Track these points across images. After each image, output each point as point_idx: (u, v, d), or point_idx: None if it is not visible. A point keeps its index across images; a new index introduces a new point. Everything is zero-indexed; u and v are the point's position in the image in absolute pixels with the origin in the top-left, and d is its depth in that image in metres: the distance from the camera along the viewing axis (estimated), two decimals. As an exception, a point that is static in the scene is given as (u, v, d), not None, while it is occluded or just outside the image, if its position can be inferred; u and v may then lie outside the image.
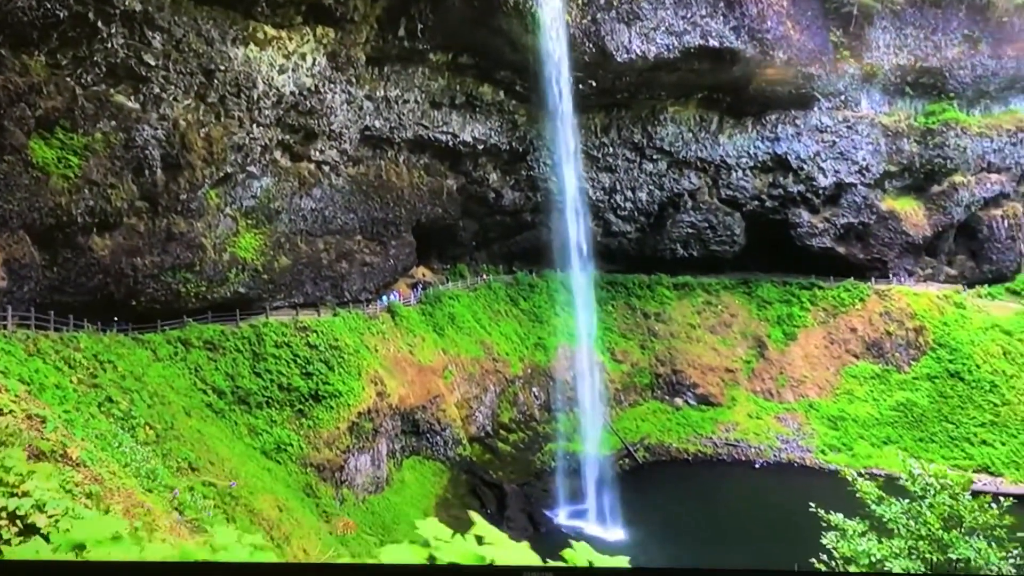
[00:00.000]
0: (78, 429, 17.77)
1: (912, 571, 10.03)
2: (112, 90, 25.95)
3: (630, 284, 62.77)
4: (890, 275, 60.90)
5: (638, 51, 44.29)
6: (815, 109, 56.82)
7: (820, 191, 59.82)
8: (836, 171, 59.03)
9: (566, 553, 3.25)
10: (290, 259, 38.58)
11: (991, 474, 44.91)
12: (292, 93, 33.07)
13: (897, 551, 10.66)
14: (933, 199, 61.23)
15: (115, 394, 25.66)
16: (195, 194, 30.59)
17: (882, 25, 56.63)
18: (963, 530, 10.58)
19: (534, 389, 52.46)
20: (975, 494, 11.20)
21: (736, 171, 59.14)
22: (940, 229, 61.60)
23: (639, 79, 47.81)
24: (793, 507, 40.84)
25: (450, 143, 45.80)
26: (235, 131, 31.05)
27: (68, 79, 24.59)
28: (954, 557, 10.04)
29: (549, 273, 58.19)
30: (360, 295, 44.14)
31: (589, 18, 42.62)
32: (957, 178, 60.60)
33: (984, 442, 47.43)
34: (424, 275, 52.90)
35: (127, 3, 24.49)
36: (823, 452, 50.94)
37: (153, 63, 26.43)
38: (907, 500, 11.76)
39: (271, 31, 30.34)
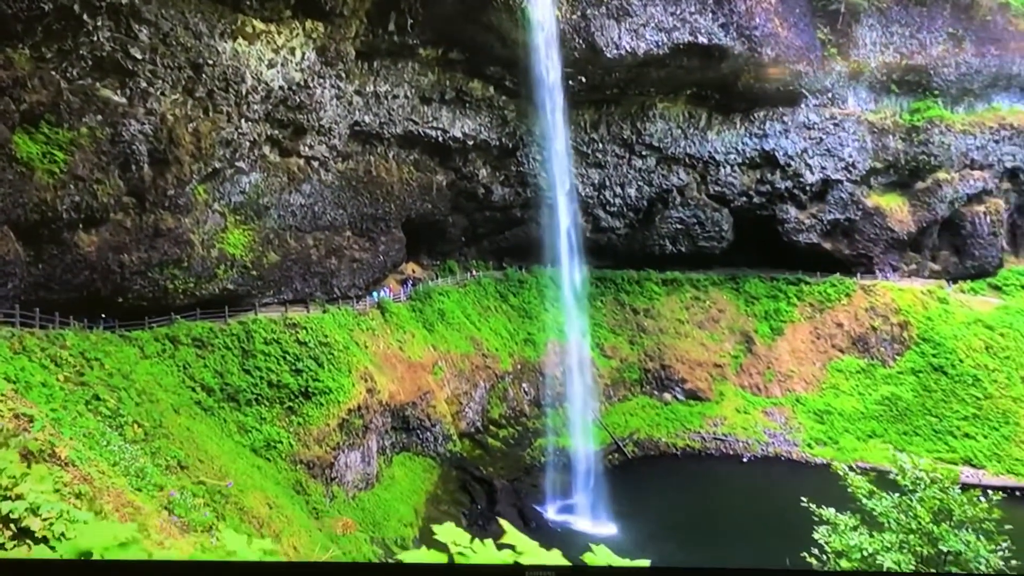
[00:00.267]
0: (66, 428, 17.59)
1: (903, 564, 10.20)
2: (98, 84, 25.57)
3: (619, 280, 63.04)
4: (875, 270, 61.69)
5: (628, 47, 44.36)
6: (803, 106, 57.27)
7: (807, 187, 60.37)
8: (823, 168, 59.60)
9: (586, 556, 3.28)
10: (279, 255, 38.32)
11: (973, 466, 45.71)
12: (281, 88, 32.79)
13: (888, 545, 10.84)
14: (918, 195, 62.01)
15: (102, 392, 25.42)
16: (183, 190, 30.27)
17: (869, 23, 57.17)
18: (953, 523, 10.79)
19: (524, 385, 52.58)
20: (963, 487, 11.42)
21: (724, 167, 59.50)
22: (924, 225, 62.41)
23: (628, 75, 47.91)
24: (781, 500, 41.38)
25: (440, 139, 45.66)
26: (223, 126, 30.73)
27: (53, 72, 24.20)
28: (944, 550, 10.24)
29: (538, 269, 58.28)
30: (349, 291, 43.96)
31: (579, 14, 42.61)
32: (941, 175, 61.40)
33: (967, 435, 48.26)
34: (414, 271, 52.78)
35: (113, -4, 24.16)
36: (809, 446, 51.57)
37: (140, 57, 26.07)
38: (897, 494, 11.95)
39: (260, 25, 30.03)
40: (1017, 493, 42.55)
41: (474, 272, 57.32)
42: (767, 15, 49.54)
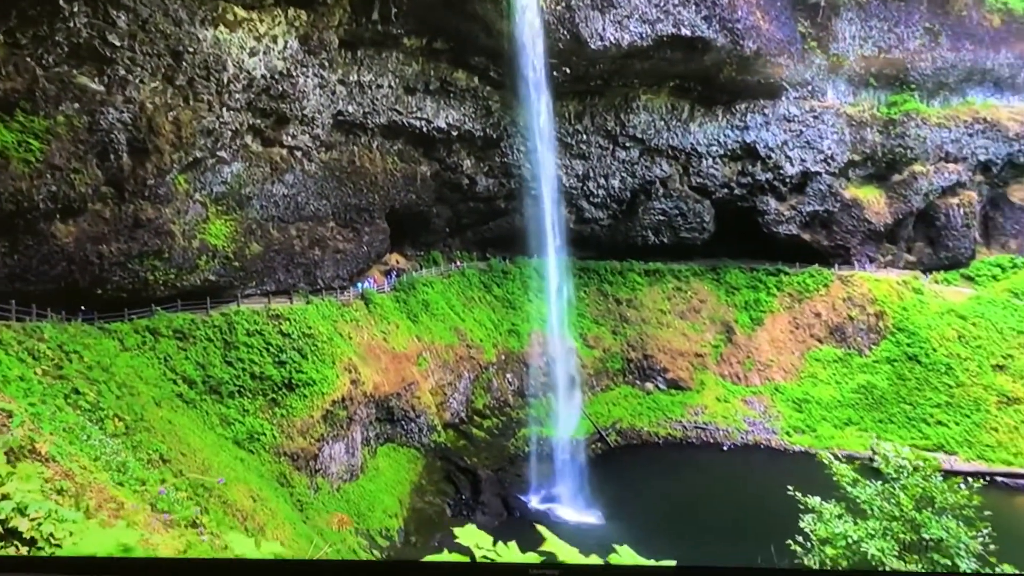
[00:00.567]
0: (45, 423, 17.29)
1: (887, 551, 10.51)
2: (75, 71, 24.94)
3: (602, 270, 63.39)
4: (853, 261, 62.82)
5: (612, 39, 44.35)
6: (783, 99, 57.84)
7: (787, 179, 61.11)
8: (803, 160, 60.34)
9: (611, 557, 3.35)
10: (262, 246, 37.88)
11: (946, 453, 46.93)
12: (263, 76, 32.27)
13: (872, 532, 11.15)
14: (894, 188, 63.10)
15: (82, 385, 25.01)
16: (163, 179, 29.73)
17: (848, 17, 57.82)
18: (934, 510, 11.13)
19: (508, 375, 52.76)
20: (945, 474, 11.78)
21: (706, 159, 59.95)
22: (900, 217, 63.57)
23: (612, 67, 47.94)
24: (760, 487, 42.24)
25: (424, 129, 45.34)
26: (204, 115, 30.19)
27: (28, 59, 23.56)
28: (927, 537, 10.57)
29: (522, 260, 58.35)
30: (333, 282, 43.65)
31: (563, 5, 42.46)
32: (917, 167, 62.53)
33: (940, 422, 49.51)
34: (398, 262, 52.52)
35: (90, -20, 23.55)
36: (788, 434, 52.54)
37: (118, 44, 25.46)
38: (880, 482, 12.28)
39: (241, 12, 29.49)
40: (1003, 480, 43.88)
41: (458, 263, 57.23)
42: (749, 8, 49.82)
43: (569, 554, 2.77)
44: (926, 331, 54.43)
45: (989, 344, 52.27)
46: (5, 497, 5.72)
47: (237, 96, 31.47)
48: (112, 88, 26.22)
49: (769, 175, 60.88)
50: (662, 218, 62.60)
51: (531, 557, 3.05)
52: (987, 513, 11.08)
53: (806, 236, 63.34)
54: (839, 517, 11.87)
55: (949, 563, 10.24)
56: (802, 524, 12.38)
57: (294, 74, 33.98)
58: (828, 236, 63.36)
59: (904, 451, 12.20)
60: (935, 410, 50.20)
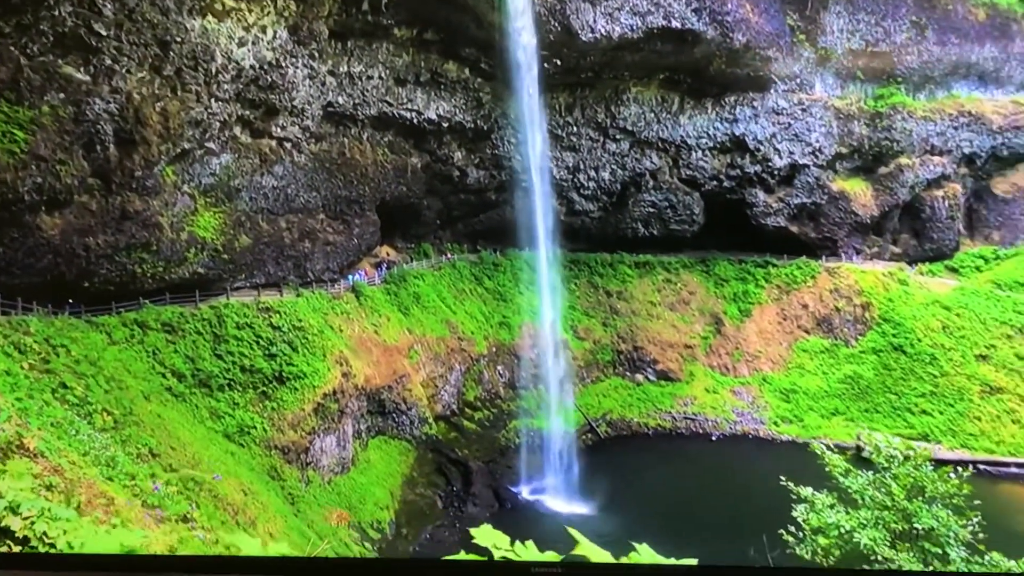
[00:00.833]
0: (33, 418, 17.15)
1: (879, 540, 10.69)
2: (60, 61, 24.49)
3: (593, 263, 63.56)
4: (840, 253, 63.44)
5: (603, 31, 44.26)
6: (772, 92, 58.08)
7: (775, 172, 61.47)
8: (791, 152, 60.71)
9: (631, 556, 3.38)
10: (251, 238, 37.56)
11: (930, 442, 47.67)
12: (252, 67, 31.87)
13: (864, 521, 11.34)
14: (880, 180, 63.70)
15: (69, 380, 24.77)
16: (150, 171, 29.35)
17: (836, 10, 58.14)
18: (924, 499, 11.32)
19: (499, 367, 52.85)
20: (936, 464, 11.98)
21: (696, 152, 60.13)
22: (886, 209, 64.22)
23: (603, 59, 47.86)
24: (748, 476, 42.74)
25: (415, 120, 45.05)
26: (192, 106, 29.79)
27: (12, 48, 23.10)
28: (918, 526, 10.76)
29: (513, 252, 58.34)
30: (323, 275, 43.41)
31: (554, -5, 42.27)
32: (903, 160, 63.15)
33: (924, 412, 50.26)
34: (388, 254, 52.31)
35: (74, -32, 23.11)
36: (776, 424, 53.11)
37: (104, 33, 25.02)
38: (871, 472, 12.47)
39: (230, 2, 29.07)
40: (985, 468, 44.64)
41: (449, 255, 57.11)
42: (739, 1, 49.89)
43: (601, 557, 2.80)
44: (911, 322, 55.15)
45: (972, 334, 53.07)
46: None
47: (226, 87, 31.09)
48: (98, 78, 25.80)
49: (758, 167, 61.20)
50: (652, 210, 62.78)
51: (549, 556, 3.07)
52: (976, 502, 11.30)
53: (794, 228, 63.85)
54: (831, 507, 12.04)
55: (940, 552, 10.43)
56: (794, 514, 12.54)
57: (283, 65, 33.61)
58: (815, 228, 63.90)
59: (895, 441, 12.38)
60: (920, 400, 50.94)
